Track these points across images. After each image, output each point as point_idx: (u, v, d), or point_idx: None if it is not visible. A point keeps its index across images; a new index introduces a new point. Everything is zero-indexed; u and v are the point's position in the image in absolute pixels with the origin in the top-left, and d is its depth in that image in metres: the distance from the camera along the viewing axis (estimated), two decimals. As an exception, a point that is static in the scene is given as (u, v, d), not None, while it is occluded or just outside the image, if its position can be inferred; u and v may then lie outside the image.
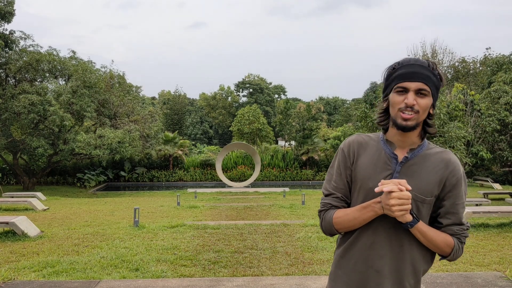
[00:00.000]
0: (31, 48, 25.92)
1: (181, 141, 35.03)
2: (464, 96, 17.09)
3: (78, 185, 28.95)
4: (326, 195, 1.91)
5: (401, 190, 1.62)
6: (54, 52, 26.47)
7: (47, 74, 26.64)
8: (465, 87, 17.77)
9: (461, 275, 5.13)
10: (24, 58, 24.82)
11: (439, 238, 1.76)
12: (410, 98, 1.68)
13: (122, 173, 31.85)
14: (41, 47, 26.18)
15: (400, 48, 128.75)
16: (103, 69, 28.55)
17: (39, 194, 19.58)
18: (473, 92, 17.37)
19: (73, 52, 27.83)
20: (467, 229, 1.83)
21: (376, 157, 1.81)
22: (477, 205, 15.47)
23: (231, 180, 29.62)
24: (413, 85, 1.69)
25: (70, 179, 29.96)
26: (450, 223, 1.78)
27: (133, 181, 31.98)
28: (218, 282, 5.08)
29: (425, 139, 1.83)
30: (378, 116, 1.85)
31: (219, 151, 35.10)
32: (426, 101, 1.71)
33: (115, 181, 31.86)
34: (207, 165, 33.21)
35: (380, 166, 1.79)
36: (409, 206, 1.63)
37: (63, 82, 27.30)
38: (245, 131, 36.87)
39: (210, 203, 16.99)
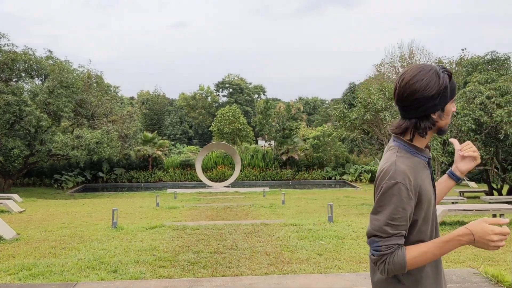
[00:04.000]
0: (6, 48, 25.39)
1: (160, 141, 34.81)
2: (440, 96, 17.37)
3: (55, 187, 28.53)
4: (386, 237, 1.69)
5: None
6: (30, 52, 26.00)
7: (23, 74, 26.17)
8: (441, 87, 18.05)
9: (437, 272, 5.24)
10: (-1, 58, 24.33)
11: None
12: (454, 105, 1.80)
13: (100, 174, 31.49)
14: (16, 46, 25.69)
15: (378, 49, 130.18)
16: (80, 69, 28.17)
17: (15, 195, 19.21)
18: (449, 92, 17.64)
19: (50, 51, 27.39)
20: None
21: (422, 169, 1.79)
22: (453, 203, 15.77)
23: (211, 180, 29.55)
24: None
25: (47, 180, 29.50)
26: None
27: (112, 182, 31.66)
28: (196, 282, 5.07)
29: None
30: (402, 128, 1.81)
31: (199, 151, 34.98)
32: None
33: (93, 182, 31.49)
34: (187, 166, 33.07)
35: (426, 174, 1.80)
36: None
37: (40, 82, 26.85)
38: (225, 131, 36.82)
39: (190, 203, 16.92)
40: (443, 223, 9.32)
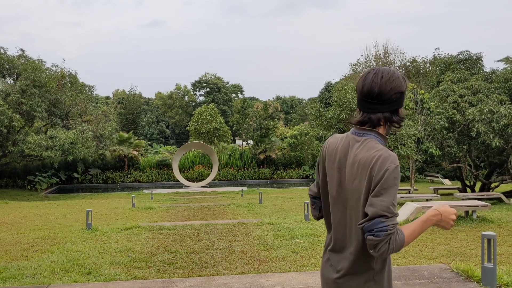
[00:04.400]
0: (-24, 46, 24.82)
1: (136, 141, 34.46)
2: (414, 95, 17.64)
3: (29, 188, 27.93)
4: (391, 216, 1.79)
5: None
6: (2, 51, 25.45)
7: (-6, 73, 25.60)
8: (415, 86, 18.33)
9: (409, 268, 5.32)
10: (-31, 57, 23.74)
11: None
12: None
13: (75, 174, 31.01)
14: (-14, 45, 25.09)
15: (354, 49, 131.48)
16: (54, 68, 27.67)
17: (-14, 198, 18.82)
18: (422, 91, 17.91)
19: (22, 50, 26.86)
20: None
21: None
22: (427, 200, 16.04)
23: (189, 180, 29.42)
24: None
25: (20, 181, 28.85)
26: None
27: (87, 183, 31.20)
28: (171, 283, 5.04)
29: None
30: (403, 118, 2.03)
31: (176, 151, 34.75)
32: None
33: (68, 183, 30.98)
34: (164, 165, 32.82)
35: None
36: None
37: (12, 82, 26.27)
38: (202, 131, 36.67)
39: (166, 203, 16.81)
40: (417, 220, 9.45)
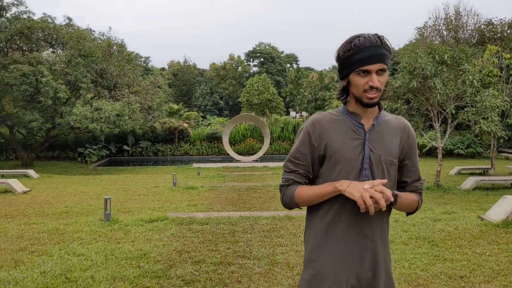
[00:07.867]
0: (25, 16, 24.19)
1: (187, 113, 33.35)
2: (498, 60, 14.99)
3: (79, 160, 27.55)
4: (288, 172, 1.99)
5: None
6: (49, 20, 24.69)
7: (43, 43, 24.96)
8: (499, 49, 15.60)
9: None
10: (17, 26, 23.06)
11: (410, 200, 1.98)
12: (375, 80, 1.82)
13: (125, 147, 30.38)
14: (33, 13, 24.42)
15: (421, 11, 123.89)
16: (102, 37, 26.66)
17: (30, 171, 18.26)
18: (508, 55, 15.21)
19: (69, 19, 25.98)
20: (423, 181, 2.08)
21: (344, 129, 1.93)
22: (512, 184, 13.59)
23: (239, 154, 27.99)
24: (374, 67, 1.82)
25: (71, 154, 28.59)
26: (413, 180, 2.04)
27: (137, 156, 30.51)
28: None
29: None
30: (338, 94, 1.99)
31: (228, 122, 33.40)
32: (385, 77, 1.86)
33: (119, 156, 30.45)
34: (214, 138, 31.53)
35: (350, 137, 1.91)
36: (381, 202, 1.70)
37: (60, 52, 25.56)
38: (254, 102, 34.99)
39: (212, 181, 15.44)
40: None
